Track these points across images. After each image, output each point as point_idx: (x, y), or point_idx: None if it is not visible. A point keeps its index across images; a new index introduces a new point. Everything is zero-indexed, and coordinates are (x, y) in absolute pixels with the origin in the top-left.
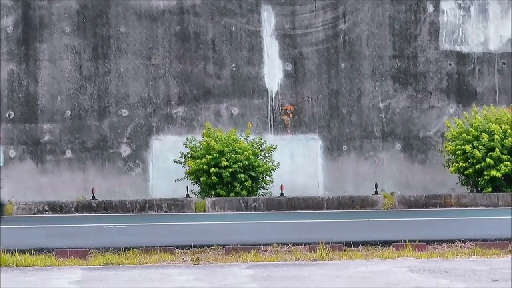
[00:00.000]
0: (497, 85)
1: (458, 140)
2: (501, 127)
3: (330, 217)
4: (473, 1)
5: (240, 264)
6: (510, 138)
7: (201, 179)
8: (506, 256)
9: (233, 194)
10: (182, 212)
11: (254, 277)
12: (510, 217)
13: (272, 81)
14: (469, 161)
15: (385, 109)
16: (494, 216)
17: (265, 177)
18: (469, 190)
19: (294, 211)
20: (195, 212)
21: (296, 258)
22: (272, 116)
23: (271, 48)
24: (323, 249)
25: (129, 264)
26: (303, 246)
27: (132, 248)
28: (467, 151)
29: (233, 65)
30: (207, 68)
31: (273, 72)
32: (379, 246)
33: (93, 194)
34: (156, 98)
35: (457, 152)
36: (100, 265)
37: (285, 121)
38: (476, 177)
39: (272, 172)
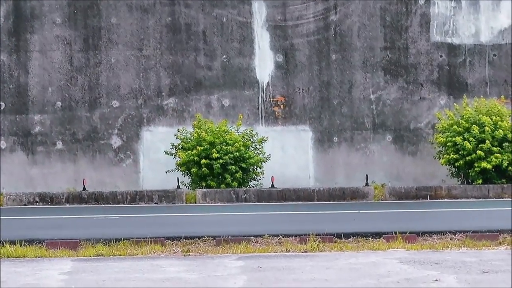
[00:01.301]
0: (488, 77)
1: (448, 132)
2: (491, 119)
3: (320, 209)
4: None
5: (230, 255)
6: (500, 130)
7: (192, 170)
8: (496, 247)
9: (223, 185)
10: (172, 203)
11: (244, 268)
12: (510, 208)
13: (263, 72)
14: (460, 153)
15: (376, 101)
16: (484, 208)
17: (256, 169)
18: (459, 182)
19: (285, 203)
20: (186, 203)
21: (286, 249)
22: (263, 108)
23: (262, 39)
24: (314, 241)
25: (120, 255)
26: (293, 237)
27: (123, 240)
28: (457, 143)
29: (224, 56)
30: (198, 59)
31: (264, 63)
32: (370, 238)
33: (84, 186)
34: (147, 89)
35: (447, 144)
36: (90, 256)
37: (276, 113)
38: (467, 169)
39: (263, 163)
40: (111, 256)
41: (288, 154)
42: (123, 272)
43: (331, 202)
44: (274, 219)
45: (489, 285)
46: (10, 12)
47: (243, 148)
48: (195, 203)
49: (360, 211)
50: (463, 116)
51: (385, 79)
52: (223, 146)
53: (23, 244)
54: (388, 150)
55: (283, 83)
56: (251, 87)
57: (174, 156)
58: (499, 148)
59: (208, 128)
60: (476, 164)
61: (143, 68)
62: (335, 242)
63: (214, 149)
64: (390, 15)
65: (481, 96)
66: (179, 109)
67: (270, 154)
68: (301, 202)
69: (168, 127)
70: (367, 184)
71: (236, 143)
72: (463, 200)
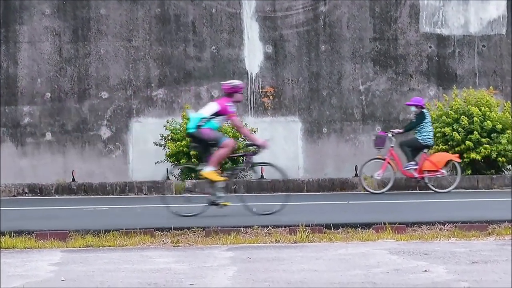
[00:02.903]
0: (477, 68)
1: (438, 122)
2: (480, 110)
3: (310, 200)
4: None
5: (220, 246)
6: (488, 121)
7: (181, 161)
8: (485, 238)
9: None
10: (162, 194)
11: (234, 259)
12: (510, 199)
13: (252, 63)
14: (449, 143)
15: (365, 92)
16: (473, 198)
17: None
18: (449, 173)
19: (274, 194)
20: (175, 194)
21: (276, 240)
22: (252, 99)
23: (251, 30)
24: (303, 232)
25: (109, 246)
26: (283, 228)
27: (112, 231)
28: (447, 134)
29: (214, 47)
30: (187, 50)
31: (253, 54)
32: (359, 229)
33: (73, 177)
34: (136, 80)
35: (437, 135)
36: (80, 247)
37: (266, 104)
38: None
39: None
40: (100, 247)
41: (277, 145)
42: (113, 263)
43: (320, 193)
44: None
45: (478, 276)
46: None
47: None
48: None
49: (350, 202)
50: (452, 107)
51: (375, 70)
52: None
53: (12, 235)
54: None
55: (273, 74)
56: (240, 78)
57: (164, 147)
58: (488, 139)
59: None
60: (465, 155)
61: (132, 59)
62: (324, 233)
63: None
64: (379, 6)
65: (470, 87)
66: (169, 100)
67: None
68: (291, 193)
69: (158, 118)
70: (356, 175)
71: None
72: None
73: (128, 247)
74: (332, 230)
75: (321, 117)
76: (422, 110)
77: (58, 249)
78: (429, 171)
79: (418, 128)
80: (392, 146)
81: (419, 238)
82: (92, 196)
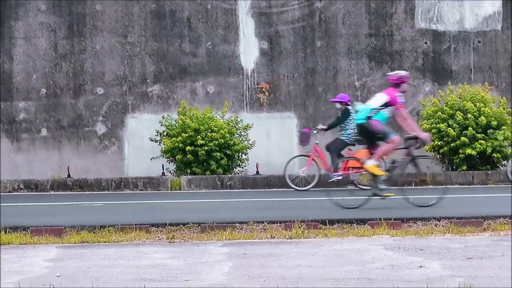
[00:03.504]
0: (473, 64)
1: (433, 118)
2: (475, 106)
3: (305, 195)
4: None
5: (215, 242)
6: (483, 117)
7: (176, 157)
8: (480, 234)
9: (208, 172)
10: (157, 190)
11: (229, 255)
12: (506, 195)
13: (248, 59)
14: (444, 139)
15: (360, 87)
16: (469, 194)
17: (241, 156)
18: (444, 169)
19: (270, 189)
20: (171, 190)
21: (271, 236)
22: (248, 95)
23: (247, 26)
24: (299, 227)
25: (105, 242)
26: (278, 224)
27: (108, 226)
28: (442, 130)
29: (209, 43)
30: (183, 46)
31: (249, 50)
32: (355, 224)
33: (69, 173)
34: (131, 76)
35: (432, 131)
36: (75, 243)
37: (261, 99)
38: (451, 156)
39: (248, 150)
40: (96, 243)
41: (273, 141)
42: (108, 259)
43: (316, 189)
44: (259, 206)
45: (473, 271)
46: None
47: (228, 135)
48: (180, 189)
49: (345, 198)
50: (447, 102)
51: (370, 65)
52: (208, 133)
53: (7, 231)
54: None
55: (268, 70)
56: (236, 74)
57: (159, 143)
58: (483, 135)
59: (193, 115)
60: (460, 151)
61: (127, 55)
62: (320, 229)
63: (199, 136)
64: (375, 2)
65: (466, 82)
66: (164, 96)
67: (255, 141)
68: (286, 189)
69: (153, 114)
70: None
71: (221, 130)
72: (447, 186)
73: (123, 243)
74: (328, 226)
75: (317, 113)
76: (347, 107)
77: (53, 245)
78: (353, 168)
79: (343, 125)
80: (317, 143)
81: (415, 234)
82: (87, 192)
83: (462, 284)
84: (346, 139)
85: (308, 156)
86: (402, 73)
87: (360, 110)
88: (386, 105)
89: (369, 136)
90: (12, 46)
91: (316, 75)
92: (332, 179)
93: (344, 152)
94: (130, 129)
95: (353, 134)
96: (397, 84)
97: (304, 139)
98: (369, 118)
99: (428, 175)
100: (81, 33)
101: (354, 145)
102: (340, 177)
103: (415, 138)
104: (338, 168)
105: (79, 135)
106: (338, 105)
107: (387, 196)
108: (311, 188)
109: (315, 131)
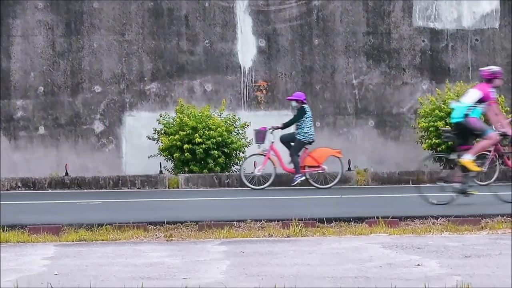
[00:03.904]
0: (470, 62)
1: (431, 116)
2: None
3: (303, 194)
4: None
5: (213, 240)
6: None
7: (174, 155)
8: (478, 232)
9: (206, 170)
10: (155, 188)
11: (227, 253)
12: (490, 193)
13: (245, 57)
14: (442, 137)
15: (358, 86)
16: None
17: (239, 154)
18: (442, 167)
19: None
20: (168, 188)
21: (269, 234)
22: (245, 93)
23: (244, 24)
24: (296, 226)
25: (102, 240)
26: (276, 222)
27: (105, 225)
28: (439, 128)
29: (207, 41)
30: (180, 44)
31: (246, 48)
32: (352, 223)
33: (66, 171)
34: (129, 74)
35: (430, 129)
36: (73, 241)
37: (259, 98)
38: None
39: (246, 148)
40: (93, 241)
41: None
42: (106, 257)
43: (313, 187)
44: (256, 204)
45: (471, 270)
46: None
47: (225, 133)
48: (178, 188)
49: (343, 196)
50: (445, 101)
51: (368, 64)
52: (206, 131)
53: (5, 230)
54: (370, 135)
55: (266, 68)
56: (233, 72)
57: (157, 141)
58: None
59: (190, 113)
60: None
61: (125, 53)
62: (317, 227)
63: (197, 134)
64: (372, 0)
65: (463, 81)
66: (162, 94)
67: (252, 139)
68: (283, 187)
69: (151, 112)
70: (349, 169)
71: (218, 128)
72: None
73: (121, 241)
74: (325, 224)
75: (314, 111)
76: (303, 105)
77: (51, 243)
78: (310, 166)
79: (299, 124)
80: (272, 142)
81: (412, 232)
82: (85, 190)
83: (460, 283)
84: (303, 139)
85: (264, 155)
86: (495, 68)
87: (456, 108)
88: (480, 101)
89: (467, 134)
90: (9, 44)
91: (313, 73)
92: (296, 182)
93: (301, 151)
94: (128, 127)
95: (310, 133)
96: (489, 79)
97: (259, 137)
98: (466, 116)
99: (425, 173)
100: (78, 31)
101: (310, 143)
102: (303, 178)
103: (505, 135)
104: (300, 170)
105: (77, 133)
106: (294, 104)
107: (473, 193)
108: (266, 187)
109: (270, 130)
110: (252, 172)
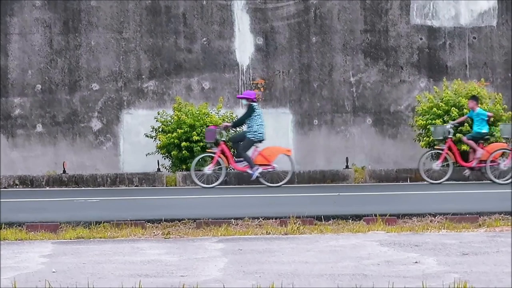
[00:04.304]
0: (468, 60)
1: (428, 114)
2: None
3: (301, 191)
4: None
5: (211, 238)
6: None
7: (172, 153)
8: (476, 230)
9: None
10: (153, 186)
11: (225, 250)
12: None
13: (243, 55)
14: None
15: (356, 84)
16: (464, 190)
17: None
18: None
19: (265, 185)
20: (166, 186)
21: (267, 232)
22: (243, 90)
23: (242, 22)
24: (294, 223)
25: (100, 238)
26: (274, 220)
27: (103, 222)
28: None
29: (204, 39)
30: (178, 42)
31: (244, 46)
32: (350, 220)
33: (64, 169)
34: (127, 72)
35: (427, 127)
36: (71, 239)
37: (256, 95)
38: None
39: None
40: (91, 239)
41: (268, 136)
42: (104, 255)
43: (311, 185)
44: (254, 202)
45: (468, 267)
46: None
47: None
48: (175, 185)
49: (340, 194)
50: (442, 98)
51: (365, 61)
52: (204, 129)
53: (3, 227)
54: (368, 133)
55: (263, 66)
56: (231, 70)
57: (155, 139)
58: None
59: (188, 111)
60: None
61: (123, 51)
62: (315, 225)
63: (195, 132)
64: None
65: (461, 78)
66: (159, 92)
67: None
68: (285, 185)
69: (148, 110)
70: (347, 166)
71: None
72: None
73: (119, 239)
74: (323, 222)
75: (312, 109)
76: (252, 103)
77: (49, 241)
78: (260, 165)
79: (248, 122)
80: (223, 140)
81: (410, 230)
82: (83, 188)
83: (458, 280)
84: (253, 137)
85: (215, 153)
86: None
87: None
88: None
89: None
90: (7, 42)
91: (311, 71)
92: (255, 176)
93: (251, 150)
94: (125, 125)
95: (259, 132)
96: None
97: (209, 136)
98: None
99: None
100: (76, 29)
101: (260, 142)
102: (260, 170)
103: None
104: (253, 163)
105: (74, 131)
106: (244, 102)
107: None
108: (217, 185)
109: (220, 128)
110: (201, 170)
